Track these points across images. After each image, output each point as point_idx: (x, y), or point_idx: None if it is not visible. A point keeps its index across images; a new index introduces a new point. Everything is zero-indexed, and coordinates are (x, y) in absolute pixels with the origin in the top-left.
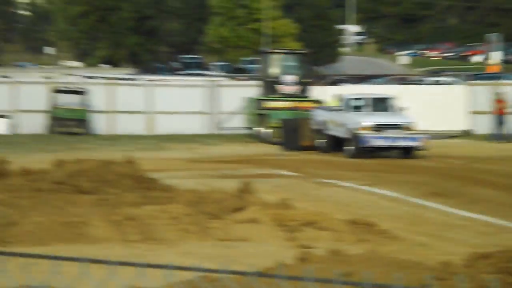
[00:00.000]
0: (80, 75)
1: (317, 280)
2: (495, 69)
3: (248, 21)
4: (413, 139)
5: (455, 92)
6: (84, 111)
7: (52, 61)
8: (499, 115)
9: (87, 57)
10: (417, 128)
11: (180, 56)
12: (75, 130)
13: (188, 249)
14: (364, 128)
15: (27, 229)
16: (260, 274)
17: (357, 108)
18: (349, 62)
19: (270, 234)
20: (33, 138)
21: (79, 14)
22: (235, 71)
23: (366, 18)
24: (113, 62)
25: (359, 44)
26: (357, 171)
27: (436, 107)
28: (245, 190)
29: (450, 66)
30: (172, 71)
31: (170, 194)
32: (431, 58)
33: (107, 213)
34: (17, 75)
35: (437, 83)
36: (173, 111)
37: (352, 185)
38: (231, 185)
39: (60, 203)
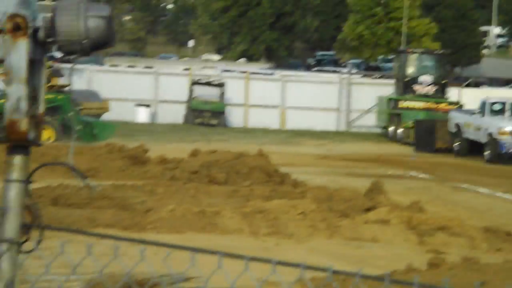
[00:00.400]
0: (218, 69)
1: None
2: None
3: (385, 19)
4: None
5: None
6: (221, 104)
7: (193, 54)
8: None
9: (226, 51)
10: None
11: (315, 52)
12: (212, 121)
13: (316, 246)
14: (504, 133)
15: (163, 216)
16: (394, 281)
17: (497, 112)
18: (490, 65)
19: (401, 237)
20: (171, 128)
21: (221, 9)
22: (370, 69)
23: (509, 20)
24: (250, 57)
25: (502, 46)
26: (494, 177)
27: None
28: (375, 190)
29: None
30: (306, 67)
31: (300, 190)
32: None
33: (239, 204)
34: (160, 66)
35: None
36: (306, 107)
37: (488, 191)
38: (361, 184)
39: (194, 193)
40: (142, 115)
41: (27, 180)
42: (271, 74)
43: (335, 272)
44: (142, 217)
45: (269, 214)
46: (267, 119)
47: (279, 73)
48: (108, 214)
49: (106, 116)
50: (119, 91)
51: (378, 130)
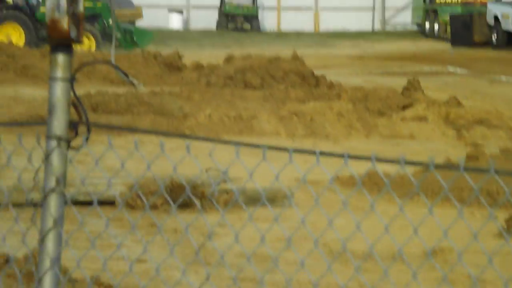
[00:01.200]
0: None
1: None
2: None
3: None
4: None
5: None
6: (254, 8)
7: None
8: None
9: None
10: None
11: None
12: (245, 26)
13: (354, 145)
14: None
15: (200, 121)
16: (439, 166)
17: None
18: None
19: (439, 132)
20: (205, 34)
21: None
22: None
23: None
24: None
25: None
26: None
27: None
28: (412, 88)
29: None
30: None
31: (336, 91)
32: None
33: (275, 108)
34: None
35: None
36: (340, 7)
37: None
38: (397, 82)
39: (230, 97)
40: (175, 21)
41: (71, 78)
42: None
43: (438, 167)
44: (180, 122)
45: (305, 116)
46: (301, 22)
47: None
48: (146, 120)
49: (139, 23)
50: None
51: (415, 27)
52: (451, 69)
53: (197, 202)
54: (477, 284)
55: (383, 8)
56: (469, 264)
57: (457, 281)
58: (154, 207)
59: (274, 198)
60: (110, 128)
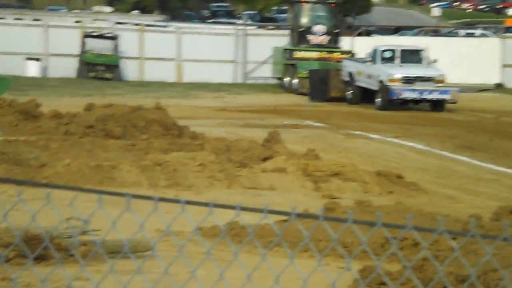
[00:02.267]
0: (111, 21)
1: (356, 222)
2: (511, 23)
3: None
4: (444, 92)
5: (487, 45)
6: (115, 57)
7: (83, 6)
8: None
9: (118, 2)
10: (448, 81)
11: (210, 4)
12: (106, 75)
13: (216, 196)
14: (394, 80)
15: (58, 171)
16: (300, 215)
17: (387, 59)
18: (380, 13)
19: (297, 184)
20: (64, 82)
21: None
22: (265, 20)
23: None
24: (143, 9)
25: None
26: (385, 123)
27: (468, 60)
28: (272, 140)
29: (483, 19)
30: (201, 19)
31: (199, 142)
32: (467, 11)
33: (136, 158)
34: (49, 19)
35: (469, 35)
36: (202, 59)
37: (380, 137)
38: (258, 134)
39: (90, 147)
40: (32, 69)
41: None
42: (166, 26)
43: (299, 215)
44: (36, 172)
45: (167, 166)
46: (163, 72)
47: (174, 25)
48: (0, 170)
49: None
50: (7, 45)
51: (274, 81)
52: (309, 122)
53: (55, 254)
54: None
55: (245, 61)
56: None
57: None
58: (6, 260)
59: (136, 249)
60: None
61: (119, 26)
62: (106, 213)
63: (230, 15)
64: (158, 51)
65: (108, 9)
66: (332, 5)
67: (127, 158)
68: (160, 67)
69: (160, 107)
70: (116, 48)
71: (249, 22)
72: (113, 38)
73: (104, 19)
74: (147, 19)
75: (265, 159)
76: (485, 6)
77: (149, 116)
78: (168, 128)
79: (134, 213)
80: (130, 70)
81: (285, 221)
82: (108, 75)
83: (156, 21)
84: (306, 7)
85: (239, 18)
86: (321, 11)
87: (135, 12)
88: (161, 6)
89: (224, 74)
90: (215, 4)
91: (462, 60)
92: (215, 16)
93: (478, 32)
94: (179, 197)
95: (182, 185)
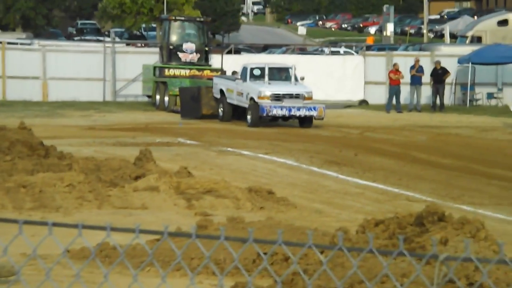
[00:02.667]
0: None
1: (227, 239)
2: (371, 41)
3: None
4: (311, 108)
5: (352, 62)
6: None
7: None
8: (393, 86)
9: None
10: (315, 98)
11: (76, 21)
12: None
13: (86, 217)
14: (263, 97)
15: None
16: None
17: (256, 77)
18: (249, 31)
19: (170, 202)
20: None
21: None
22: (133, 37)
23: None
24: (5, 26)
25: (258, 13)
26: (256, 139)
27: (333, 77)
28: (144, 158)
29: (346, 37)
30: (67, 37)
31: (66, 162)
32: (332, 29)
33: (0, 180)
34: None
35: (335, 53)
36: (69, 77)
37: (251, 153)
38: (130, 153)
39: None
40: None
41: None
42: (30, 44)
43: (171, 234)
44: None
45: (33, 188)
46: (28, 91)
47: (38, 43)
48: None
49: None
50: None
51: (145, 99)
52: (181, 140)
53: None
54: None
55: (114, 79)
56: None
57: None
58: None
59: (0, 274)
60: None
61: None
62: None
63: (97, 32)
64: (21, 70)
65: None
66: (202, 22)
67: None
68: (24, 85)
69: (24, 127)
70: None
71: (117, 39)
72: None
73: None
74: (9, 36)
75: (137, 177)
76: (347, 25)
77: (12, 136)
78: (33, 149)
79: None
80: None
81: (157, 240)
82: None
83: (19, 38)
84: (175, 24)
85: (107, 35)
86: (190, 29)
87: None
88: (24, 23)
89: (93, 92)
90: (81, 22)
91: (328, 77)
92: (82, 33)
93: (342, 50)
94: (46, 219)
95: (49, 206)
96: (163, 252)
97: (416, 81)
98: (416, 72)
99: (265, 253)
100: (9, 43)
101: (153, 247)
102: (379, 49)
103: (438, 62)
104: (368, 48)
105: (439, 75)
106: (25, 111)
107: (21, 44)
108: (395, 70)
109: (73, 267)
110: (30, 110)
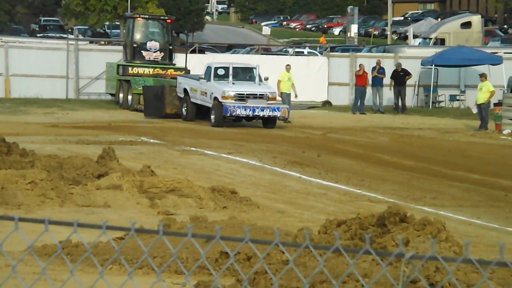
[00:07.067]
0: None
1: (197, 236)
2: (323, 41)
3: None
4: (275, 109)
5: (316, 63)
6: None
7: None
8: (359, 87)
9: None
10: (279, 99)
11: (39, 18)
12: None
13: (47, 215)
14: (227, 97)
15: None
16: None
17: (220, 77)
18: (213, 31)
19: (133, 201)
20: None
21: None
22: (97, 35)
23: None
24: None
25: (222, 13)
26: (220, 139)
27: (297, 78)
28: (107, 157)
29: (311, 38)
30: (30, 33)
31: (29, 159)
32: (297, 29)
33: None
34: None
35: (299, 54)
36: (31, 74)
37: (214, 153)
38: (92, 151)
39: None
40: None
41: None
42: None
43: (138, 231)
44: None
45: None
46: None
47: (1, 39)
48: None
49: None
50: None
51: (109, 97)
52: (145, 139)
53: None
54: None
55: (77, 76)
56: None
57: None
58: None
59: None
60: None
61: None
62: None
63: (60, 29)
64: None
65: None
66: (167, 21)
67: None
68: None
69: None
70: None
71: (81, 37)
72: None
73: None
74: None
75: (100, 176)
76: (312, 26)
77: None
78: None
79: None
80: None
81: (120, 238)
82: None
83: None
84: (139, 23)
85: (70, 32)
86: (154, 27)
87: None
88: None
89: (56, 90)
90: (44, 18)
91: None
92: (45, 30)
93: (306, 51)
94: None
95: (11, 203)
96: (125, 250)
97: (377, 82)
98: (377, 74)
99: (227, 253)
100: None
101: (118, 245)
102: (343, 50)
103: (399, 65)
104: (332, 49)
105: (400, 77)
106: None
107: None
108: (359, 71)
109: (40, 263)
110: None
